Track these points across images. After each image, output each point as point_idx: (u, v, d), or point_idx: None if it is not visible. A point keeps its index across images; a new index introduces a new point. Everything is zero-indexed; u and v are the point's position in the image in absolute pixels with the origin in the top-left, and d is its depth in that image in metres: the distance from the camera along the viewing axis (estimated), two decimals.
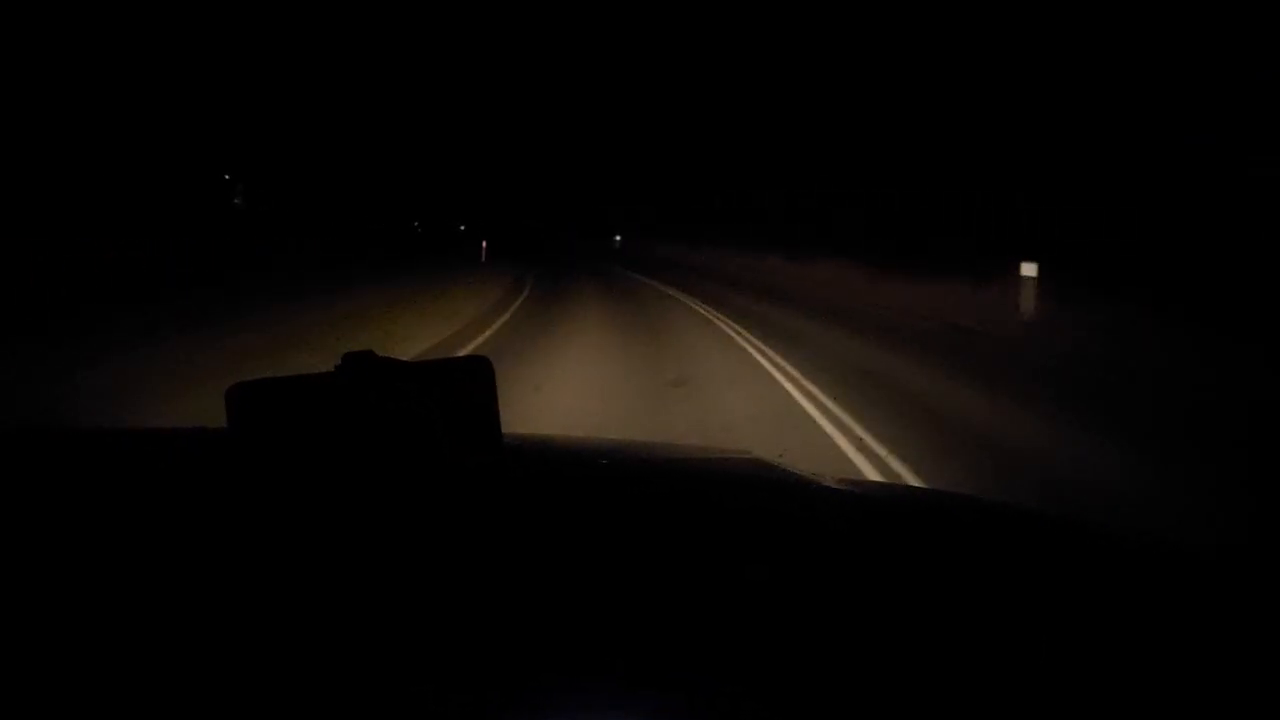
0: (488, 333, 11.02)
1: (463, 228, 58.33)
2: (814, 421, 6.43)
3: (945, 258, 16.06)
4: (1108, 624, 0.91)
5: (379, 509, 0.91)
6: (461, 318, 12.35)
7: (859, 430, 6.03)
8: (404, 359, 0.91)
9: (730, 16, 31.48)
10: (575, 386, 7.54)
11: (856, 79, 22.90)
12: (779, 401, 7.19)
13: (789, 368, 8.65)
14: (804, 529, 1.10)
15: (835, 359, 9.59)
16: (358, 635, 0.88)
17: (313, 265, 20.65)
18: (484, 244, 31.70)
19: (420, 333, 10.52)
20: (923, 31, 20.10)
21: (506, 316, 13.05)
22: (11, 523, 0.99)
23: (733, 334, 11.54)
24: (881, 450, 5.50)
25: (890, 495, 1.32)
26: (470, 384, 0.92)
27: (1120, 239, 12.99)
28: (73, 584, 0.91)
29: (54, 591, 0.90)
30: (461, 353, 8.57)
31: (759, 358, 9.41)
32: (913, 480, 4.73)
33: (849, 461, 5.30)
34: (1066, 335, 11.08)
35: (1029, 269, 13.32)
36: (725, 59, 32.46)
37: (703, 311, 14.50)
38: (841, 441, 5.79)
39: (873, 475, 4.92)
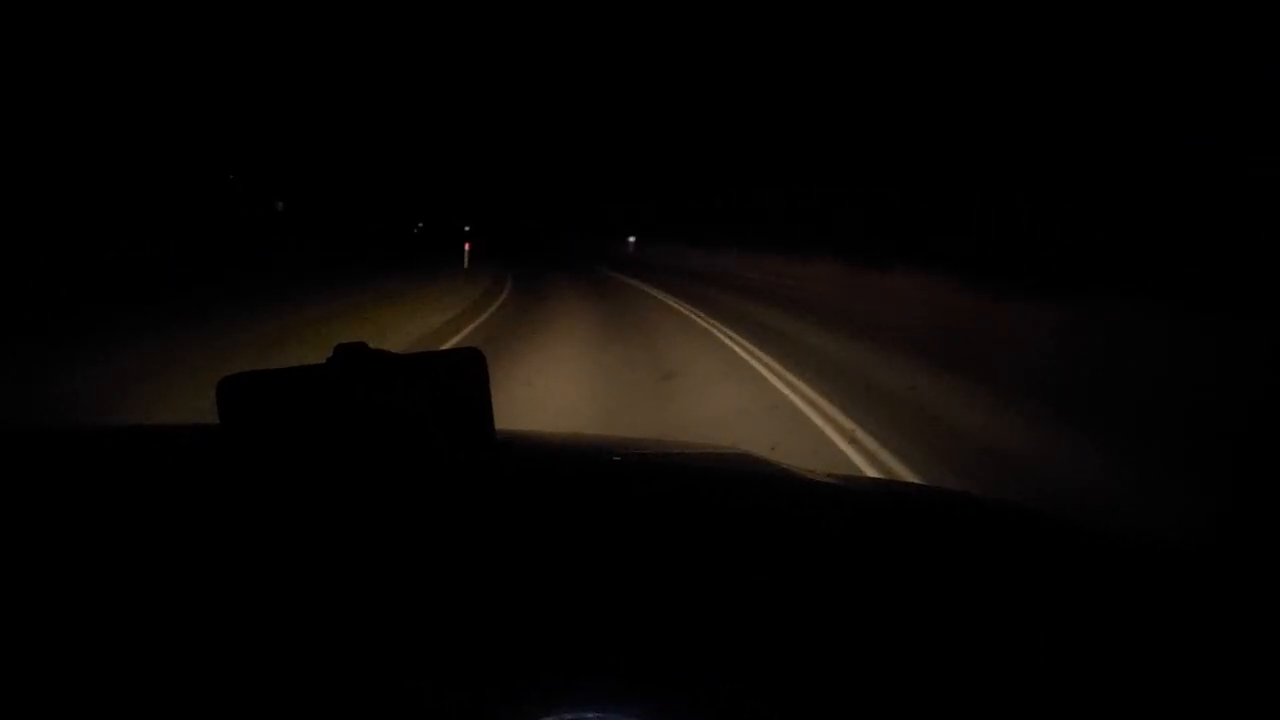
0: None
1: (468, 228, 59.04)
2: None
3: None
4: (1100, 622, 0.90)
5: (371, 503, 0.91)
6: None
7: None
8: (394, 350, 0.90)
9: (733, 17, 31.36)
10: None
11: (860, 79, 22.86)
12: None
13: None
14: (799, 524, 1.09)
15: None
16: (352, 632, 0.88)
17: (313, 265, 20.56)
18: (467, 246, 26.38)
19: None
20: (923, 32, 20.09)
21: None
22: (6, 520, 0.99)
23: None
24: None
25: (883, 491, 1.31)
26: (462, 376, 0.92)
27: (1123, 239, 12.92)
28: (67, 580, 0.90)
29: (50, 588, 0.89)
30: None
31: None
32: None
33: None
34: None
35: None
36: (728, 58, 32.40)
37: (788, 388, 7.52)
38: None
39: None
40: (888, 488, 1.31)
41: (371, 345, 0.91)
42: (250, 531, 0.92)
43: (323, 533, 0.90)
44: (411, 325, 10.81)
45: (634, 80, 46.36)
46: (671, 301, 16.13)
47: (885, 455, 5.51)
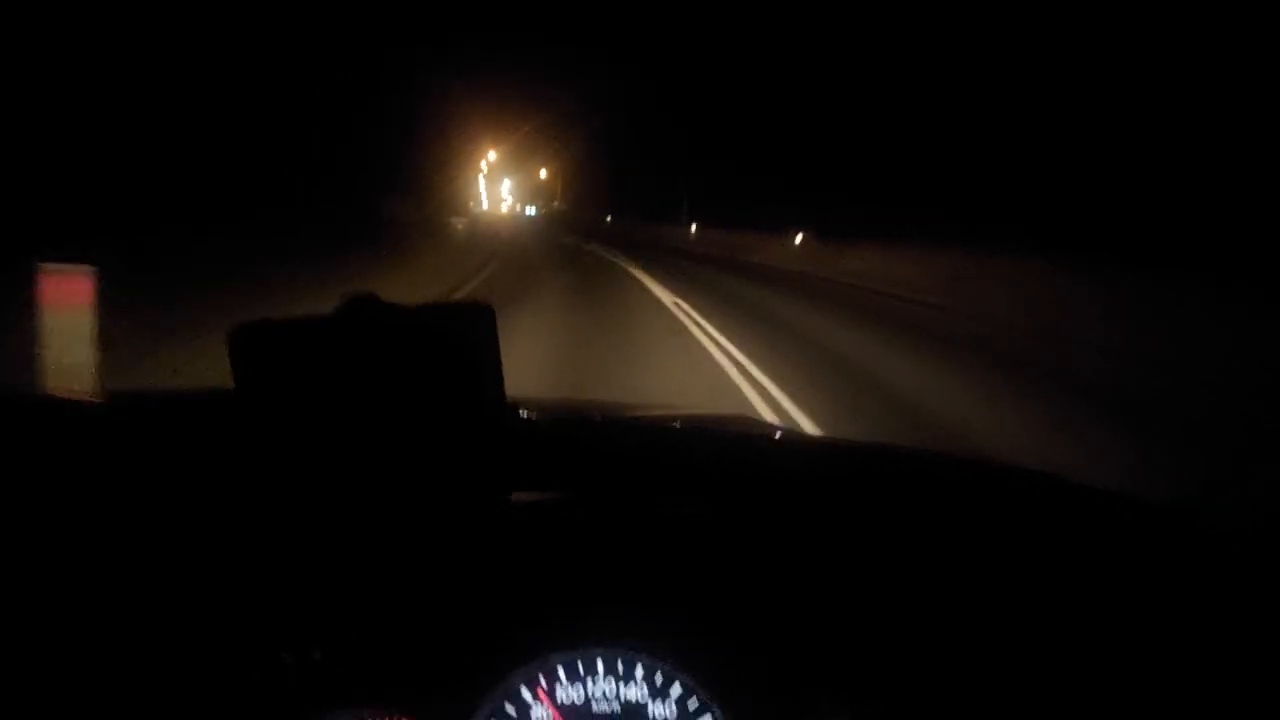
0: None
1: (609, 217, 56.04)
2: None
3: None
4: (1094, 580, 0.91)
5: (378, 458, 0.90)
6: None
7: None
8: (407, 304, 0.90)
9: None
10: None
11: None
12: None
13: None
14: (798, 484, 1.10)
15: None
16: (364, 580, 0.89)
17: None
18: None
19: None
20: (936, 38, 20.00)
21: None
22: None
23: None
24: None
25: (879, 452, 1.33)
26: (471, 329, 0.91)
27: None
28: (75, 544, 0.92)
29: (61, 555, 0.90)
30: None
31: None
32: None
33: None
34: None
35: None
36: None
37: None
38: None
39: None
40: (885, 450, 1.33)
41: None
42: (259, 485, 0.92)
43: (330, 485, 0.89)
44: None
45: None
46: None
47: None
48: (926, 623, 0.89)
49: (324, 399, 0.87)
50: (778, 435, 1.39)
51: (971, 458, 1.23)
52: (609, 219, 47.37)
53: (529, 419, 1.17)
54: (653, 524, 0.96)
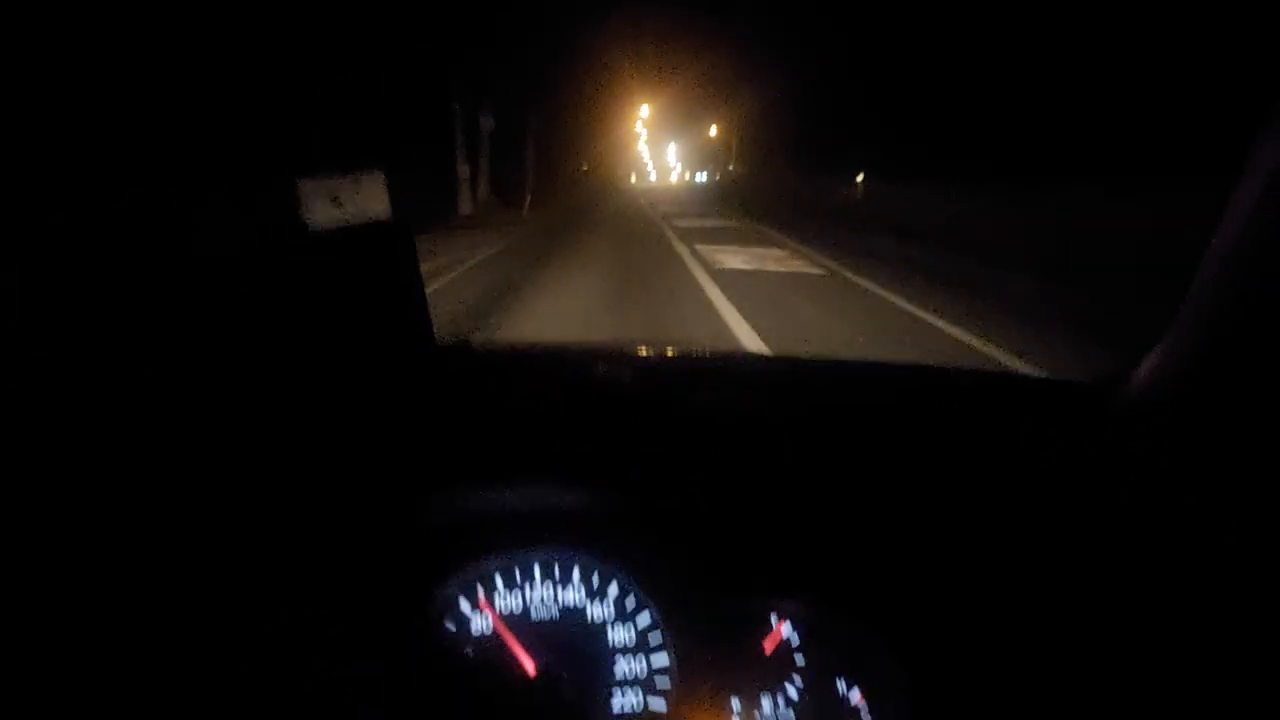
0: None
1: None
2: None
3: None
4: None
5: (303, 375, 0.90)
6: None
7: None
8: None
9: None
10: None
11: None
12: None
13: None
14: (748, 387, 1.08)
15: None
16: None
17: None
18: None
19: None
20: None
21: None
22: None
23: None
24: None
25: (835, 367, 1.27)
26: (386, 255, 0.90)
27: None
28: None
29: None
30: None
31: None
32: None
33: None
34: None
35: None
36: None
37: None
38: None
39: None
40: (836, 364, 1.26)
41: None
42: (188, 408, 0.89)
43: (259, 404, 0.88)
44: None
45: None
46: None
47: None
48: (862, 525, 0.86)
49: (245, 327, 0.88)
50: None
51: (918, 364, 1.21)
52: (860, 178, 20.34)
53: (478, 359, 1.13)
54: (593, 426, 0.94)
